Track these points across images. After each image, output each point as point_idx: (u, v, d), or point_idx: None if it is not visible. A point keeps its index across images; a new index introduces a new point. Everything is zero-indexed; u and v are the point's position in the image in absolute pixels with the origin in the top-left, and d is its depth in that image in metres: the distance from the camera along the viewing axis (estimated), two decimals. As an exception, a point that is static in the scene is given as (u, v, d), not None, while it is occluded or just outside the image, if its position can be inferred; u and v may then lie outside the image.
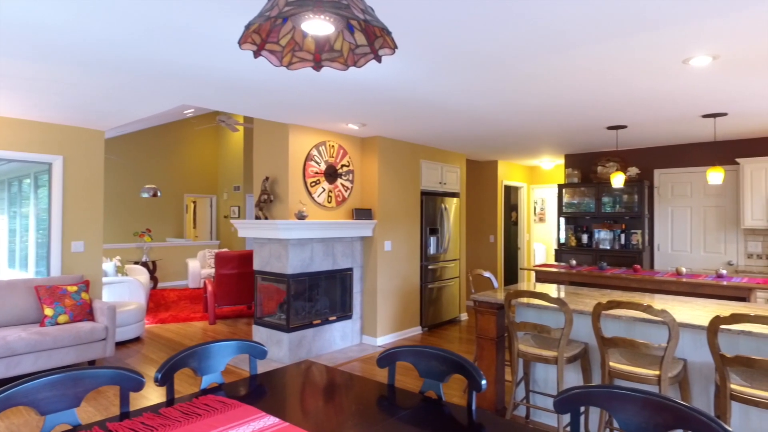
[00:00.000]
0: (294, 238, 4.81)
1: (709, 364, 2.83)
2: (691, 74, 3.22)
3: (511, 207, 9.05)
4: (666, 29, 2.46)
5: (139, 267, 7.55)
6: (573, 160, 7.14)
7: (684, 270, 4.78)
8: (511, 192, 9.08)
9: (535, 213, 9.58)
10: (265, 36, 1.15)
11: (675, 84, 3.45)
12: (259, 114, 4.47)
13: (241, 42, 1.10)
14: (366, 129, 5.21)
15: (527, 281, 7.05)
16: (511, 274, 8.85)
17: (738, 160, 5.46)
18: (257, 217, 5.06)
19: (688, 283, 4.51)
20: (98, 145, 5.28)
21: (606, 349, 2.71)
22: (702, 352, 2.85)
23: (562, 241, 6.85)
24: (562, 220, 6.87)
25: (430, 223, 6.37)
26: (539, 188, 9.13)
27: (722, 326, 2.42)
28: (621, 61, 2.97)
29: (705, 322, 2.61)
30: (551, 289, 3.81)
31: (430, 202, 6.37)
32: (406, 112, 4.37)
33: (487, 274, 4.22)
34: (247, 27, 1.04)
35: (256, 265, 5.18)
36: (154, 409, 1.69)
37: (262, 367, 4.67)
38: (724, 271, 4.59)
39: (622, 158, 6.64)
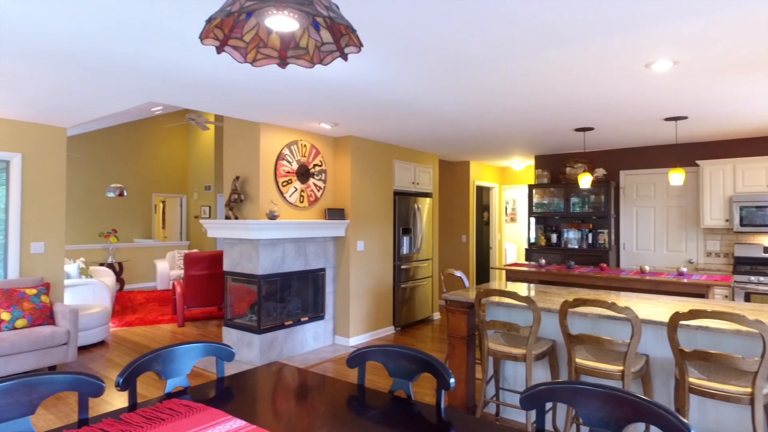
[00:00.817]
0: (265, 238, 4.75)
1: (670, 359, 2.93)
2: (653, 78, 3.33)
3: (483, 207, 9.16)
4: (629, 34, 2.54)
5: (104, 269, 7.32)
6: (543, 161, 7.28)
7: (647, 268, 4.94)
8: (483, 192, 9.19)
9: (506, 213, 9.73)
10: (228, 31, 1.13)
11: (638, 88, 3.55)
12: (229, 112, 4.39)
13: (203, 37, 1.08)
14: (339, 128, 5.19)
15: (499, 280, 7.14)
16: (483, 274, 8.96)
17: (698, 162, 5.67)
18: (227, 217, 4.97)
19: (651, 281, 4.66)
20: (60, 143, 5.09)
21: (572, 346, 2.77)
22: (663, 348, 2.95)
23: (533, 240, 6.98)
24: (533, 220, 7.00)
25: (403, 223, 6.39)
26: (510, 188, 9.27)
27: (681, 322, 2.51)
28: (586, 65, 3.04)
29: (666, 319, 2.70)
30: (521, 288, 3.87)
31: (403, 202, 6.39)
32: (379, 112, 4.37)
33: (458, 273, 4.26)
34: (209, 21, 1.02)
35: (227, 266, 5.09)
36: (115, 414, 1.64)
37: (233, 369, 4.59)
38: (685, 269, 4.76)
39: (590, 159, 6.81)
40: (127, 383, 1.75)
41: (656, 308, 3.02)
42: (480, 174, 8.52)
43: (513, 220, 9.79)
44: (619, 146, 6.38)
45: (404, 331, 6.29)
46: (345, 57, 1.20)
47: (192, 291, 6.53)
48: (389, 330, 6.17)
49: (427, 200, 6.89)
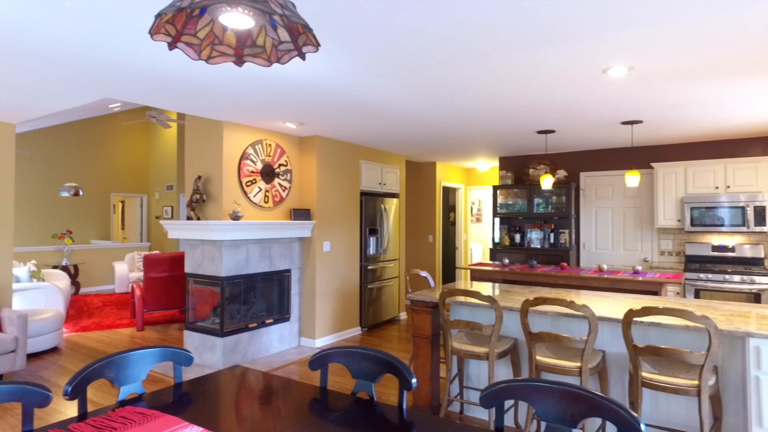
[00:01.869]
0: (228, 239, 4.65)
1: (625, 355, 3.04)
2: (610, 83, 3.44)
3: (450, 207, 9.27)
4: (586, 40, 2.61)
5: (58, 271, 7.00)
6: (507, 163, 7.43)
7: (605, 267, 5.11)
8: (449, 193, 9.30)
9: (472, 213, 9.87)
10: (180, 27, 1.10)
11: (596, 92, 3.67)
12: (191, 110, 4.28)
13: (153, 32, 1.04)
14: (304, 128, 5.14)
15: (464, 280, 7.26)
16: (449, 273, 9.07)
17: (652, 164, 5.91)
18: (189, 218, 4.84)
19: (608, 279, 4.82)
20: (7, 139, 4.84)
21: (533, 344, 2.84)
22: (618, 344, 3.05)
23: (497, 240, 7.11)
24: (497, 220, 7.13)
25: (370, 223, 6.39)
26: (476, 189, 9.42)
27: (635, 319, 2.61)
28: (547, 69, 3.11)
29: (621, 316, 2.80)
30: (486, 288, 3.94)
31: (370, 203, 6.39)
32: (344, 112, 4.35)
33: (423, 273, 4.29)
34: (158, 16, 0.99)
35: (188, 268, 4.96)
36: (63, 425, 1.56)
37: (195, 374, 4.47)
38: (640, 268, 4.95)
39: (552, 161, 6.99)
40: (77, 392, 1.68)
41: (612, 306, 3.13)
42: (446, 175, 8.61)
43: (479, 220, 9.94)
44: (579, 148, 6.58)
45: (371, 331, 6.29)
46: (303, 56, 1.18)
47: (152, 294, 6.33)
48: (356, 331, 6.15)
49: (394, 201, 6.91)
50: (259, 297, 5.17)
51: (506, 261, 5.98)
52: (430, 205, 8.29)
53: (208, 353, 4.76)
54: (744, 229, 5.25)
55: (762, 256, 5.42)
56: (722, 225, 5.36)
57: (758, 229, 5.17)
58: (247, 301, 5.04)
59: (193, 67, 3.06)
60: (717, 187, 5.48)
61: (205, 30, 1.15)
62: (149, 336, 6.01)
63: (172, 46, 1.11)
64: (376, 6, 2.19)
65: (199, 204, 4.87)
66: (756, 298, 4.93)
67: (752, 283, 4.95)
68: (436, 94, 3.71)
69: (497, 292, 3.74)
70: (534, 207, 6.67)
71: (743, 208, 5.25)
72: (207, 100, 3.90)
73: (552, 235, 6.60)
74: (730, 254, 5.56)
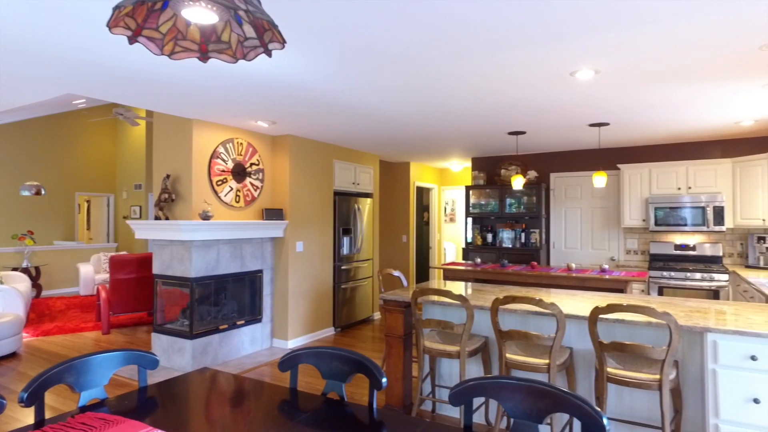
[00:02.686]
0: (198, 239, 4.56)
1: (591, 351, 3.11)
2: (578, 86, 3.52)
3: (423, 207, 9.32)
4: (554, 44, 2.67)
5: (18, 274, 6.72)
6: (479, 163, 7.52)
7: (573, 266, 5.22)
8: (423, 193, 9.35)
9: (445, 213, 9.95)
10: (141, 21, 1.07)
11: (565, 94, 3.75)
12: (158, 108, 4.18)
13: (111, 25, 1.01)
14: (276, 127, 5.08)
15: (437, 279, 7.31)
16: (423, 273, 9.12)
17: (619, 165, 6.08)
18: (157, 218, 4.72)
19: (576, 278, 4.93)
20: (-37, 136, 4.61)
21: (503, 342, 2.88)
22: (585, 341, 3.13)
23: (469, 240, 7.18)
24: (470, 220, 7.21)
25: (344, 223, 6.36)
26: (449, 189, 9.50)
27: (601, 316, 2.67)
28: (517, 71, 3.16)
29: (587, 313, 2.87)
30: (459, 287, 3.97)
31: (344, 203, 6.37)
32: (317, 112, 4.32)
33: (396, 273, 4.30)
34: (116, 9, 0.96)
35: (156, 269, 4.84)
36: (18, 433, 1.50)
37: (162, 377, 4.36)
38: (607, 266, 5.09)
39: (523, 162, 7.11)
40: (33, 398, 1.62)
41: (580, 303, 3.20)
42: (420, 175, 8.66)
43: (452, 220, 10.03)
44: (549, 150, 6.71)
45: (344, 331, 6.27)
46: (269, 53, 1.17)
47: (118, 296, 6.15)
48: (329, 331, 6.12)
49: (368, 200, 6.91)
50: (231, 298, 5.09)
51: (478, 260, 6.05)
52: (404, 205, 8.32)
53: (177, 356, 4.66)
54: (704, 228, 5.45)
55: (720, 254, 5.64)
56: (684, 225, 5.55)
57: (717, 228, 5.38)
58: (218, 303, 4.95)
59: (158, 63, 2.99)
60: (679, 188, 5.68)
61: (167, 24, 1.12)
62: (115, 339, 5.84)
63: (132, 40, 1.08)
64: (348, 6, 2.18)
65: (167, 203, 4.75)
66: (715, 294, 5.13)
67: (711, 280, 5.15)
68: (408, 93, 3.72)
69: (469, 291, 3.78)
70: (506, 207, 6.78)
71: (704, 209, 5.45)
72: (175, 97, 3.81)
73: (523, 234, 6.72)
74: (691, 253, 5.77)
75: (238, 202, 5.13)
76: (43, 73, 3.16)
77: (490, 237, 6.97)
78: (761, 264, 5.24)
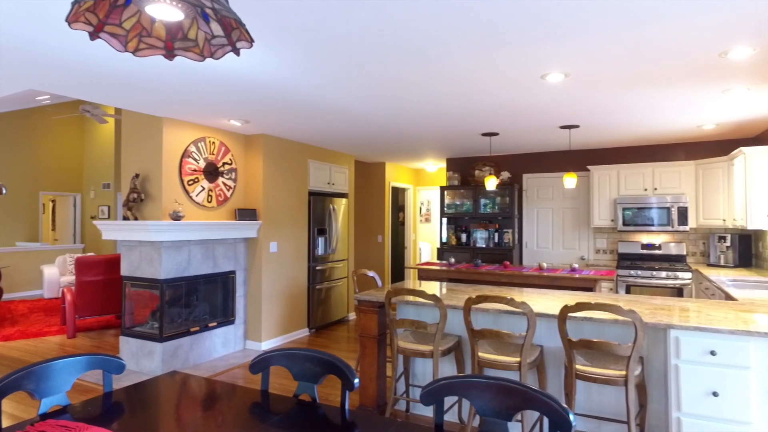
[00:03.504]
0: (168, 240, 4.46)
1: (561, 349, 3.18)
2: (548, 89, 3.59)
3: (399, 207, 9.35)
4: (525, 47, 2.71)
5: (-24, 276, 6.44)
6: (454, 164, 7.59)
7: (545, 265, 5.33)
8: (398, 193, 9.38)
9: (421, 213, 10.01)
10: (103, 17, 1.04)
11: (536, 97, 3.82)
12: (126, 105, 4.07)
13: (71, 20, 0.98)
14: (250, 126, 5.02)
15: (412, 279, 7.35)
16: (399, 273, 9.15)
17: (589, 167, 6.22)
18: (125, 218, 4.60)
19: (547, 277, 5.03)
20: None
21: (476, 341, 2.91)
22: (555, 338, 3.19)
23: (444, 240, 7.24)
24: (444, 220, 7.26)
25: (318, 223, 6.33)
26: (424, 190, 9.55)
27: (570, 314, 2.73)
28: (488, 73, 3.21)
29: (557, 312, 2.93)
30: (433, 287, 4.00)
31: (318, 203, 6.34)
32: (291, 111, 4.29)
33: (371, 273, 4.30)
34: (76, 3, 0.93)
35: (125, 271, 4.71)
36: (-27, 442, 1.44)
37: (130, 381, 4.25)
38: (576, 265, 5.21)
39: (496, 163, 7.21)
40: (-10, 406, 1.55)
41: (550, 302, 3.26)
42: (395, 175, 8.68)
43: (427, 220, 10.09)
44: (522, 151, 6.82)
45: (319, 332, 6.24)
46: (237, 52, 1.15)
47: (85, 298, 5.96)
48: (303, 332, 6.08)
49: (343, 201, 6.89)
50: (202, 300, 5.00)
51: (452, 260, 6.10)
52: (380, 205, 8.33)
53: (146, 359, 4.55)
54: (669, 228, 5.64)
55: (684, 253, 5.84)
56: (651, 225, 5.73)
57: (681, 228, 5.57)
58: (189, 304, 4.86)
59: (124, 60, 2.91)
60: (646, 189, 5.86)
61: (131, 21, 1.09)
62: (81, 343, 5.66)
63: (94, 36, 1.05)
64: (321, 5, 2.17)
65: (136, 203, 4.63)
66: (679, 292, 5.31)
67: (676, 278, 5.33)
68: (382, 94, 3.72)
69: (444, 290, 3.81)
70: (480, 207, 6.86)
71: (669, 209, 5.64)
72: (143, 94, 3.72)
73: (496, 234, 6.81)
74: (657, 252, 5.95)
75: (210, 202, 5.04)
76: (1, 67, 3.04)
77: (464, 237, 7.05)
78: (722, 263, 5.44)
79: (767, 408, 2.42)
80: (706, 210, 5.52)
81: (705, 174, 5.53)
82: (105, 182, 10.58)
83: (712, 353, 2.49)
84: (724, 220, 5.30)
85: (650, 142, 6.02)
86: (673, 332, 2.60)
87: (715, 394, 2.48)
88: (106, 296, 6.10)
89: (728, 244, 5.36)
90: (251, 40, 1.10)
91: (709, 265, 5.60)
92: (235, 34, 1.11)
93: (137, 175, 4.62)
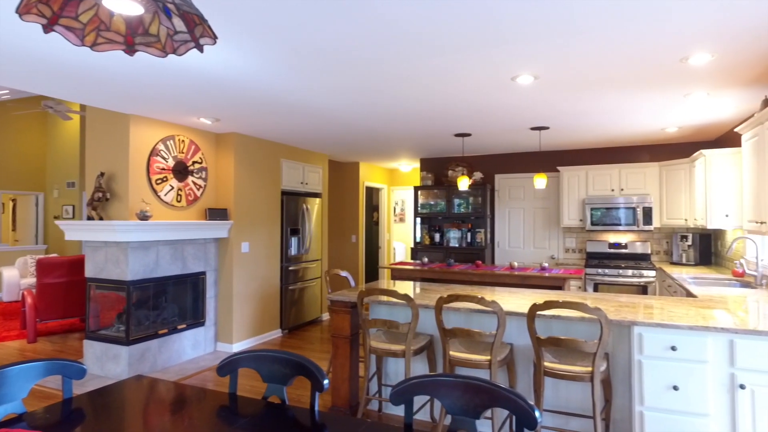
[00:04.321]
0: (135, 240, 4.34)
1: (530, 347, 3.24)
2: (519, 91, 3.65)
3: (373, 207, 9.35)
4: (495, 50, 2.75)
5: (-71, 279, 6.14)
6: (427, 164, 7.63)
7: (516, 264, 5.41)
8: (372, 193, 9.38)
9: (395, 213, 10.03)
10: (57, 9, 1.00)
11: (507, 98, 3.88)
12: (90, 101, 3.94)
13: (22, 12, 0.94)
14: (221, 124, 4.93)
15: (386, 279, 7.36)
16: (373, 273, 9.15)
17: (558, 168, 6.35)
18: (90, 218, 4.45)
19: (518, 276, 5.11)
20: None
21: (447, 340, 2.93)
22: (525, 337, 3.25)
23: (418, 240, 7.28)
24: (418, 220, 7.30)
25: (292, 223, 6.27)
26: (399, 190, 9.58)
27: (538, 312, 2.78)
28: (462, 75, 3.24)
29: (526, 310, 2.97)
30: (407, 286, 4.01)
31: (292, 203, 6.27)
32: (263, 110, 4.23)
33: (344, 273, 4.29)
34: (26, -5, 0.89)
35: (89, 272, 4.56)
36: None
37: (94, 386, 4.12)
38: (546, 264, 5.31)
39: (469, 163, 7.28)
40: (-62, 415, 1.48)
41: (520, 301, 3.32)
42: (369, 175, 8.68)
43: (402, 220, 10.12)
44: (494, 152, 6.91)
45: (292, 333, 6.18)
46: (200, 48, 1.13)
47: (46, 301, 5.75)
48: (276, 333, 6.01)
49: (317, 200, 6.84)
50: (171, 301, 4.88)
51: (425, 260, 6.14)
52: (354, 204, 8.31)
53: (111, 364, 4.41)
54: (635, 227, 5.81)
55: (649, 252, 6.02)
56: (618, 224, 5.89)
57: (646, 227, 5.75)
58: (157, 306, 4.74)
59: (85, 55, 2.82)
60: (613, 190, 6.02)
61: (88, 14, 1.06)
62: (42, 348, 5.45)
63: (47, 29, 1.01)
64: (295, 7, 2.15)
65: (101, 203, 4.49)
66: (644, 290, 5.48)
67: (641, 276, 5.49)
68: (356, 94, 3.71)
69: (417, 290, 3.82)
70: (453, 207, 6.92)
71: (634, 209, 5.81)
72: (107, 90, 3.61)
73: (469, 234, 6.88)
74: (623, 251, 6.13)
75: (179, 201, 4.93)
76: (-44, 60, 2.90)
77: (438, 237, 7.09)
78: (684, 261, 5.64)
79: (723, 400, 2.52)
80: (670, 210, 5.70)
81: (668, 175, 5.72)
82: (69, 181, 10.22)
83: (673, 348, 2.58)
84: (686, 220, 5.49)
85: (617, 144, 6.18)
86: (636, 329, 2.68)
87: (675, 387, 2.57)
88: (70, 299, 5.89)
89: (690, 243, 5.56)
90: (215, 37, 1.08)
91: (672, 263, 5.80)
92: (198, 30, 1.09)
93: (102, 174, 4.48)
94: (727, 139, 5.30)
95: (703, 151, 4.62)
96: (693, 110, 4.26)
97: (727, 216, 4.45)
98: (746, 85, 3.47)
